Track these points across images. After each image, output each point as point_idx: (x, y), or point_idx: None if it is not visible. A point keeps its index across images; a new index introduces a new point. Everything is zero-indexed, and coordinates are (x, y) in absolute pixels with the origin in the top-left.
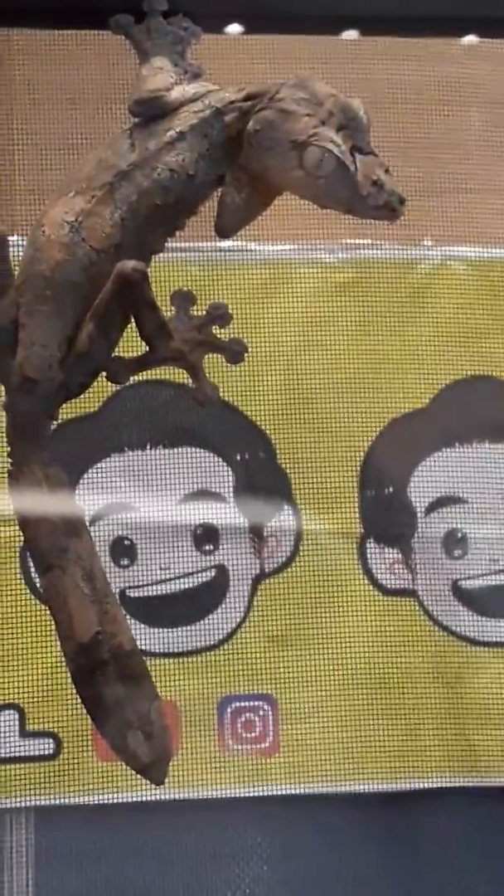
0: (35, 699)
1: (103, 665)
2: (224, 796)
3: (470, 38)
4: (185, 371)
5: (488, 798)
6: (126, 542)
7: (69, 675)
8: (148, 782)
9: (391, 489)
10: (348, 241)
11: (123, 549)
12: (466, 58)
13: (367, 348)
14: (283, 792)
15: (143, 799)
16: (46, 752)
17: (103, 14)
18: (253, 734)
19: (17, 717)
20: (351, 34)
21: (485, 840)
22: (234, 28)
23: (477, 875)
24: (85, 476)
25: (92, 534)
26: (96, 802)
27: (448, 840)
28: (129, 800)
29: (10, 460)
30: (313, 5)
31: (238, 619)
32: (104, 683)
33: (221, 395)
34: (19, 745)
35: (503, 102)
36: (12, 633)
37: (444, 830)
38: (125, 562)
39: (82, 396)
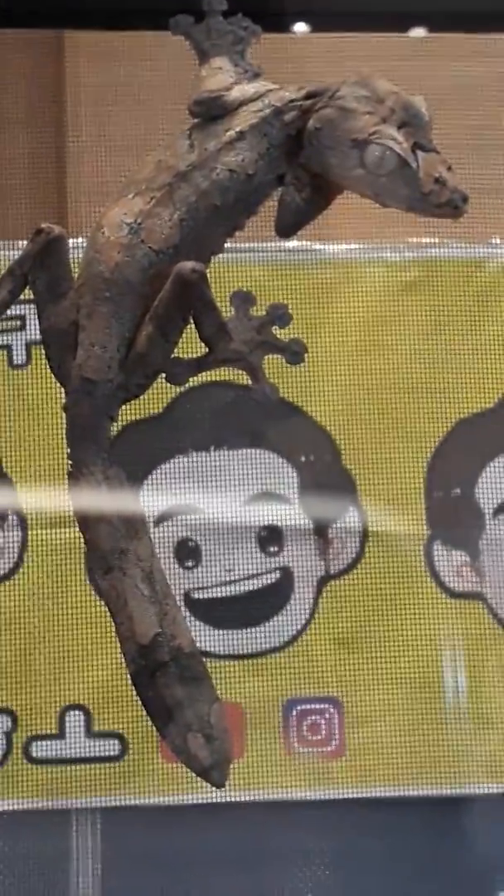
0: (101, 700)
1: (163, 667)
2: (288, 799)
3: None
4: (244, 372)
5: None
6: (191, 544)
7: (128, 675)
8: (208, 785)
9: (459, 490)
10: (413, 240)
11: (188, 551)
12: None
13: (434, 348)
14: (348, 795)
15: (208, 801)
16: (112, 754)
17: (163, 15)
18: (318, 737)
19: (83, 717)
20: (417, 31)
21: None
22: (296, 27)
23: None
24: (149, 478)
25: (156, 535)
26: (161, 804)
27: None
28: (194, 802)
29: (69, 461)
30: (375, 3)
31: (303, 622)
32: (164, 685)
33: (284, 396)
34: (86, 746)
35: None
36: (78, 635)
37: None
38: (190, 563)
39: (146, 398)
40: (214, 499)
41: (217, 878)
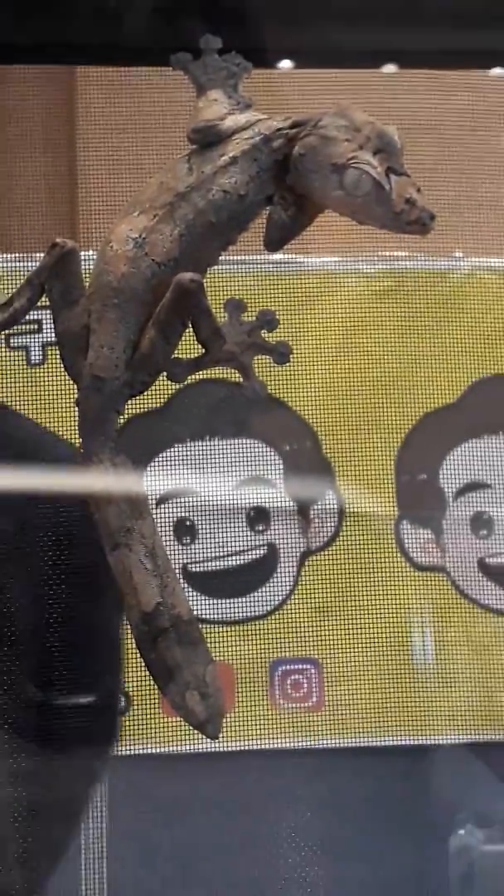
0: None
1: (164, 632)
2: (274, 748)
3: (496, 70)
4: (237, 371)
5: None
6: (188, 523)
7: (133, 640)
8: (203, 737)
9: (424, 476)
10: (386, 253)
11: (185, 529)
12: (491, 89)
13: (403, 350)
14: (327, 745)
15: (203, 751)
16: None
17: (165, 52)
18: (300, 693)
19: None
20: (389, 68)
21: None
22: (282, 63)
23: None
24: (151, 464)
25: (157, 515)
26: (161, 753)
27: (475, 789)
28: (190, 751)
29: (81, 450)
30: (351, 42)
31: (286, 592)
32: (165, 649)
33: (271, 392)
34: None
35: None
36: None
37: (471, 780)
38: (187, 540)
39: (148, 394)
40: (208, 483)
41: (210, 819)
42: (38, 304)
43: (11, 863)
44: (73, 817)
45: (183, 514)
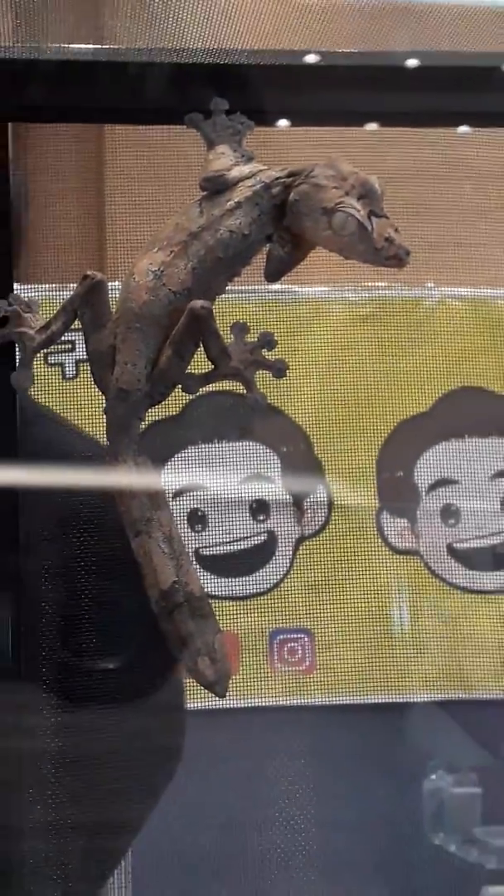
0: None
1: (179, 606)
2: (272, 705)
3: (463, 128)
4: (241, 384)
5: (475, 707)
6: (199, 513)
7: (154, 613)
8: (212, 696)
9: (401, 473)
10: (368, 284)
11: (197, 519)
12: (460, 143)
13: (382, 366)
14: (318, 703)
15: (212, 707)
16: None
17: (180, 112)
18: (295, 659)
19: None
20: (371, 126)
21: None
22: (280, 122)
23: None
24: (169, 463)
25: (174, 507)
26: None
27: (445, 740)
28: (201, 708)
29: (108, 452)
30: (339, 104)
31: (283, 572)
32: (180, 621)
33: (271, 401)
34: None
35: (488, 177)
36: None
37: (442, 732)
38: (199, 528)
39: (165, 403)
40: (217, 479)
41: (217, 765)
42: (72, 327)
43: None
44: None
45: (195, 506)
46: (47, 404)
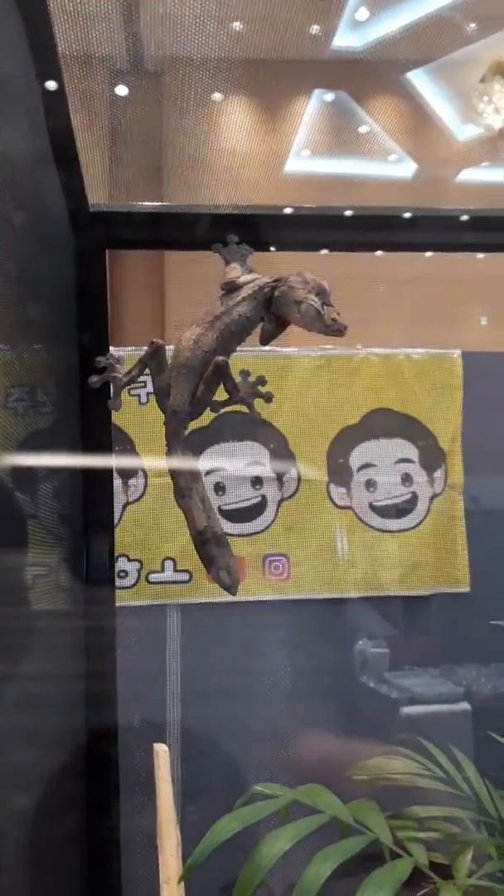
0: (181, 554)
1: (208, 540)
2: (264, 600)
3: (379, 253)
4: (246, 407)
5: (385, 601)
6: (221, 484)
7: (193, 544)
8: (229, 595)
9: (341, 460)
10: (322, 346)
11: (219, 487)
12: (377, 261)
13: (330, 395)
14: (292, 598)
15: (228, 601)
16: (185, 580)
17: (208, 243)
18: (278, 572)
19: (172, 563)
20: (324, 251)
21: (383, 621)
22: (271, 248)
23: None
24: (203, 454)
25: (206, 480)
26: (206, 603)
27: (367, 621)
28: (220, 601)
29: (166, 448)
30: (304, 238)
31: (271, 520)
32: (208, 548)
33: (263, 417)
34: (174, 576)
35: (392, 282)
36: (170, 526)
37: (365, 616)
38: (220, 493)
39: (201, 419)
40: (232, 463)
41: (227, 636)
42: (144, 373)
43: None
44: None
45: (218, 480)
46: (127, 422)
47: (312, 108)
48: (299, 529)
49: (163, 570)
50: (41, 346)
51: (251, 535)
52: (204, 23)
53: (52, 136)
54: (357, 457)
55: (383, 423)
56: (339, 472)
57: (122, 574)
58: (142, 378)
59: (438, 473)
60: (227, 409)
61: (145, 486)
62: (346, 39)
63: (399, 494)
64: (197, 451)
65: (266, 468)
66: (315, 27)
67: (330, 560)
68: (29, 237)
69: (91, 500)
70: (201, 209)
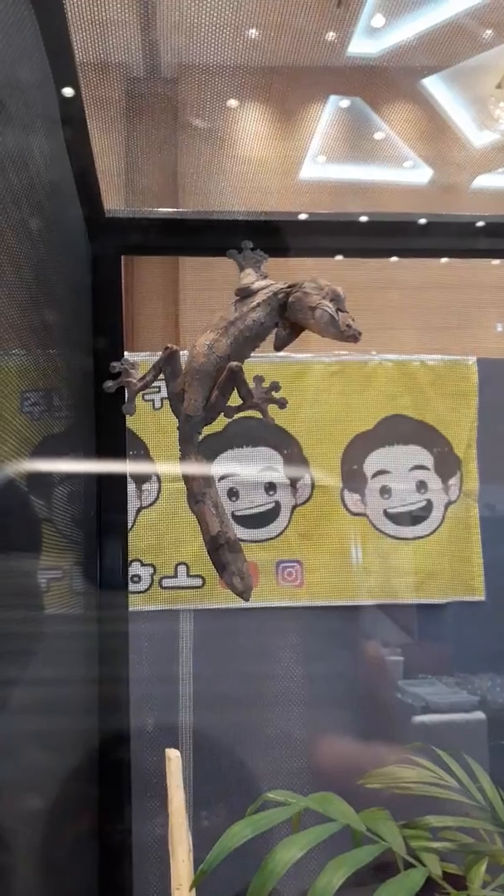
0: (194, 560)
1: (221, 546)
2: (278, 606)
3: (394, 259)
4: (260, 413)
5: (399, 608)
6: (234, 489)
7: (206, 549)
8: (242, 600)
9: (356, 466)
10: (336, 352)
11: (233, 493)
12: (392, 267)
13: (344, 402)
14: (305, 605)
15: (241, 608)
16: (198, 584)
17: (223, 249)
18: (291, 578)
19: (186, 568)
20: (339, 257)
21: (397, 629)
22: (288, 255)
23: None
24: (217, 460)
25: (219, 486)
26: (220, 608)
27: (381, 627)
28: (233, 607)
29: (180, 452)
30: (318, 243)
31: (284, 525)
32: (222, 554)
33: (277, 423)
34: (187, 581)
35: (406, 289)
36: (183, 530)
37: (379, 623)
38: (234, 499)
39: (214, 424)
40: (245, 469)
41: (242, 640)
42: (158, 378)
43: None
44: None
45: (232, 485)
46: (142, 426)
47: (328, 114)
48: (313, 536)
49: (176, 575)
50: (57, 352)
51: (264, 540)
52: (220, 30)
53: (69, 142)
54: (371, 463)
55: (398, 429)
56: (353, 478)
57: (135, 579)
58: (156, 383)
59: (454, 480)
60: (241, 414)
61: (159, 491)
62: (361, 46)
63: (414, 501)
64: (211, 456)
65: (280, 474)
66: (331, 34)
67: (344, 567)
68: (45, 243)
69: (105, 504)
70: (216, 215)
